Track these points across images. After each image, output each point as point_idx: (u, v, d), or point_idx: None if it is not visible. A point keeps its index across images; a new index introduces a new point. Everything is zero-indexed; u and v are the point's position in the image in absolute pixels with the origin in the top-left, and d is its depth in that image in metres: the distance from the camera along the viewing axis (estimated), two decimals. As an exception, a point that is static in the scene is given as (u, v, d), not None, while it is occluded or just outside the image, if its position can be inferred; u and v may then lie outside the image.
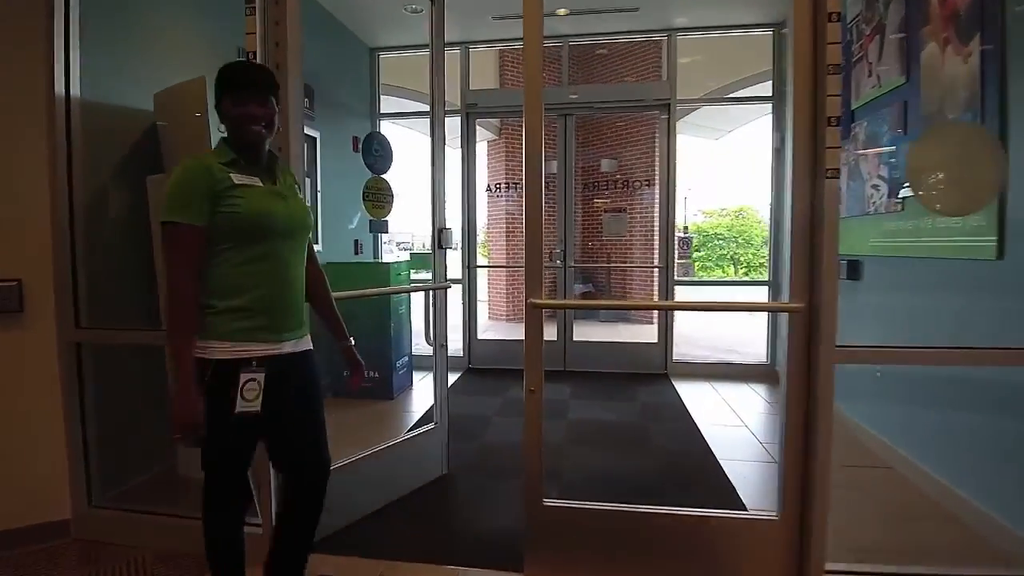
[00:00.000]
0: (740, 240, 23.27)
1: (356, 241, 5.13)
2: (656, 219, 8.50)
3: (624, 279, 8.90)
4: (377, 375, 4.40)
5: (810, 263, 1.92)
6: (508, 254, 8.97)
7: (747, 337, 7.44)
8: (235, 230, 1.51)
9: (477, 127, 5.64)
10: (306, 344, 1.73)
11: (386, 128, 5.90)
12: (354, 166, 4.08)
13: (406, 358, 4.76)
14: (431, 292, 2.95)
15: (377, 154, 2.97)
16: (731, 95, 5.76)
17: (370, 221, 3.00)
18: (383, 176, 3.01)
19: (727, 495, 2.81)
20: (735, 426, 3.90)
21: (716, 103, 5.73)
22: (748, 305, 2.44)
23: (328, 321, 1.88)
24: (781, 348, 5.00)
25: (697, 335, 7.33)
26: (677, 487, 2.93)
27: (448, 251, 3.01)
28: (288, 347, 1.64)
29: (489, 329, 8.22)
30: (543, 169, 1.96)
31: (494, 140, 9.21)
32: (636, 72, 8.22)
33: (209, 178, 1.48)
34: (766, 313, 5.31)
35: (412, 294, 4.85)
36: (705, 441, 3.58)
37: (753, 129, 7.64)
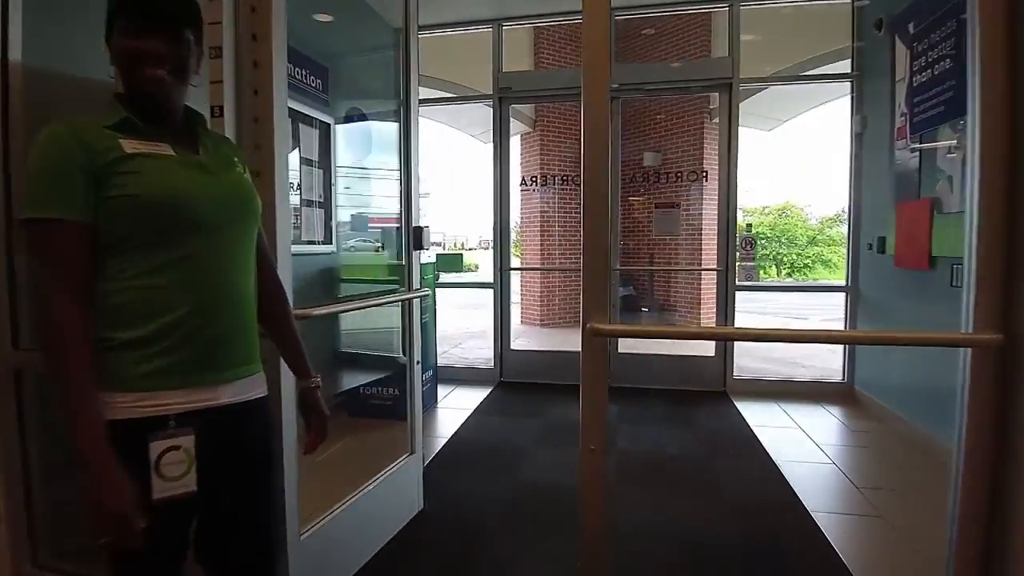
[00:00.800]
0: (784, 240, 22.17)
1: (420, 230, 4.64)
2: (709, 216, 7.90)
3: (668, 282, 8.23)
4: (397, 391, 3.88)
5: (1005, 281, 1.29)
6: (543, 254, 8.39)
7: (810, 348, 6.70)
8: (134, 222, 0.99)
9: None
10: (257, 388, 1.20)
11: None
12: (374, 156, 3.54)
13: (430, 372, 4.24)
14: (408, 302, 2.50)
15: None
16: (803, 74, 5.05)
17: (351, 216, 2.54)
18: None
19: (834, 570, 2.18)
20: (820, 463, 3.24)
21: (787, 82, 5.04)
22: (921, 338, 1.80)
23: (286, 350, 1.34)
24: (865, 367, 4.35)
25: (752, 345, 6.63)
26: (763, 552, 2.31)
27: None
28: (228, 394, 1.11)
29: (521, 335, 7.66)
30: (609, 163, 1.38)
31: (528, 133, 8.64)
32: (683, 55, 7.55)
33: (84, 149, 0.97)
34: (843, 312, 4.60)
35: (440, 296, 4.34)
36: (787, 483, 2.94)
37: (814, 117, 6.86)
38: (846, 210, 4.47)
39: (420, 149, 2.69)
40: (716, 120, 8.05)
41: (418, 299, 2.54)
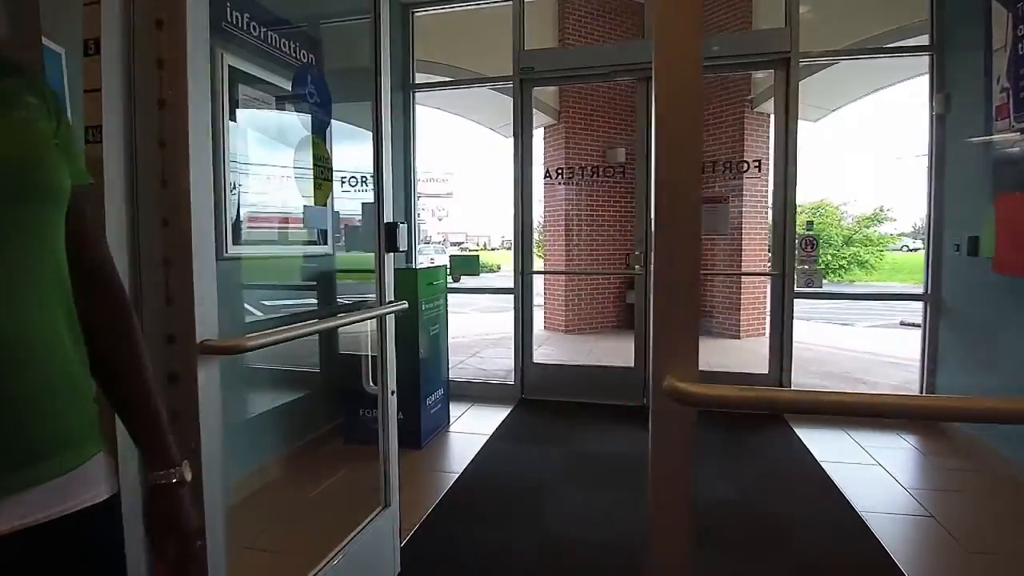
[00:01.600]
0: (820, 239, 21.26)
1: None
2: (749, 214, 7.27)
3: (707, 287, 7.59)
4: (403, 416, 3.38)
5: None
6: (568, 255, 7.83)
7: (875, 355, 6.03)
8: None
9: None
10: (81, 492, 0.69)
11: (420, 111, 4.89)
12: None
13: (440, 391, 3.72)
14: (382, 318, 1.97)
15: (312, 99, 2.01)
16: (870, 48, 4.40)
17: (304, 209, 2.07)
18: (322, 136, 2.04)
19: None
20: (918, 515, 2.63)
21: (855, 56, 4.41)
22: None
23: (131, 418, 0.81)
24: (946, 377, 3.72)
25: (807, 354, 5.98)
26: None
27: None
28: (12, 516, 0.61)
29: (545, 343, 7.11)
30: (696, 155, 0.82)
31: (552, 126, 8.09)
32: (722, 28, 6.91)
33: None
34: (919, 329, 3.92)
35: (461, 299, 3.83)
36: (881, 547, 2.34)
37: (868, 104, 6.11)
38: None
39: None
40: (757, 109, 7.41)
41: (392, 315, 2.01)
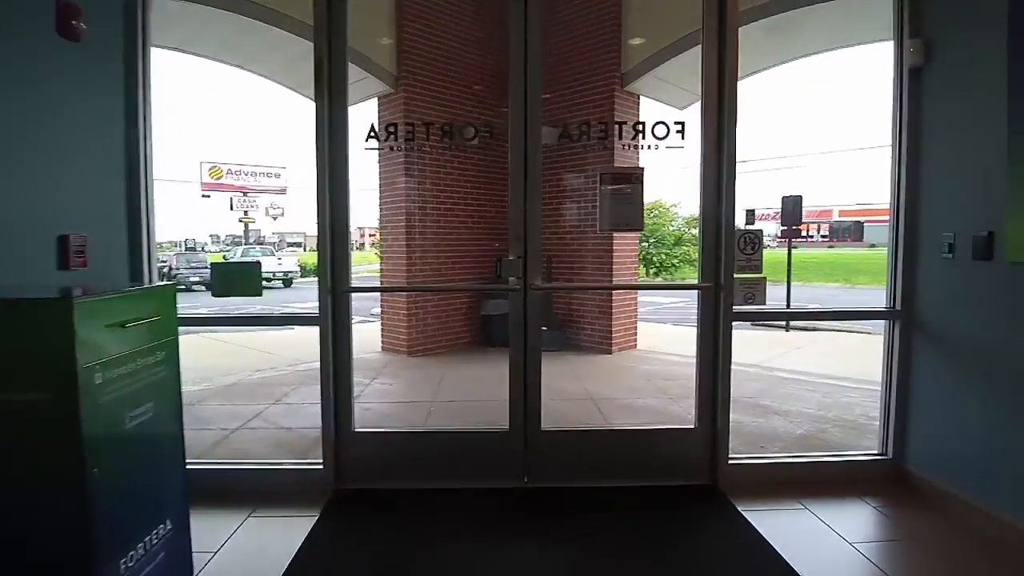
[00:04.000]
0: (652, 239, 22.05)
1: (66, 240, 2.24)
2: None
3: (595, 305, 6.51)
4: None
5: None
6: (409, 261, 6.25)
7: (767, 370, 5.30)
8: None
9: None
10: None
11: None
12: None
13: (165, 528, 1.94)
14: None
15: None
16: None
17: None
18: None
19: None
20: None
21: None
22: None
23: None
24: (924, 421, 1.84)
25: (688, 370, 5.05)
26: None
27: None
28: None
29: (382, 372, 5.45)
30: None
31: (388, 95, 6.42)
32: None
33: None
34: (883, 349, 2.97)
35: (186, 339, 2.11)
36: None
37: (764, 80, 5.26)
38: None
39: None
40: (628, 87, 6.45)
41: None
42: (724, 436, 2.77)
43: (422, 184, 6.22)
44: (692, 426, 2.87)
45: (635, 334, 6.61)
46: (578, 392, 4.62)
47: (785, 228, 8.78)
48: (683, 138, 2.76)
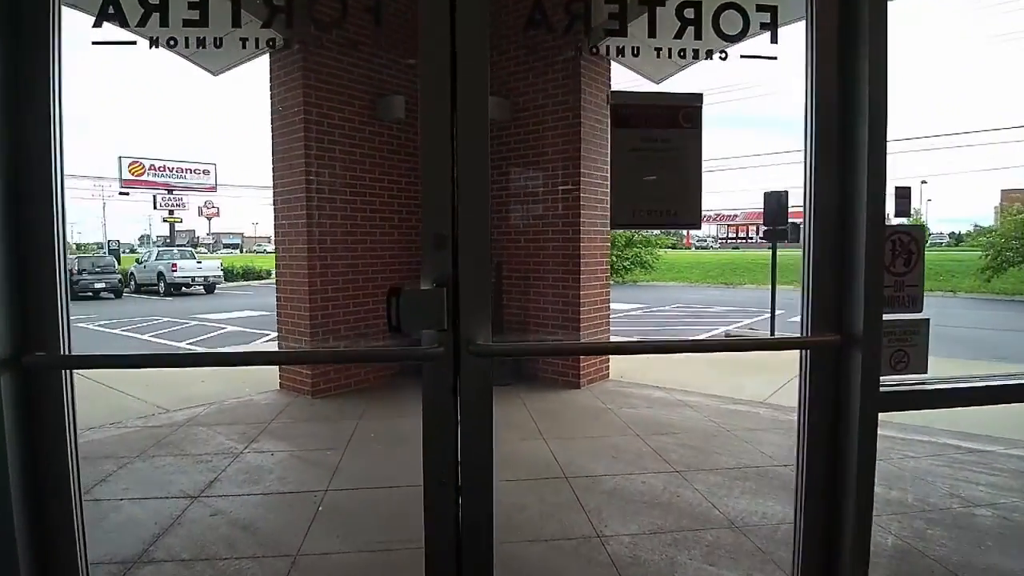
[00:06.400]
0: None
1: None
2: (592, 193, 4.97)
3: (527, 291, 5.19)
4: None
5: None
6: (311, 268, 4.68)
7: (723, 398, 4.01)
8: None
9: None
10: None
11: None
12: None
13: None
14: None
15: None
16: None
17: None
18: None
19: None
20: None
21: None
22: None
23: None
24: None
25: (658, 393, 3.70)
26: None
27: None
28: None
29: (274, 425, 3.81)
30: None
31: (284, 56, 4.83)
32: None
33: None
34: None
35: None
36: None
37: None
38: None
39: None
40: (598, 52, 5.13)
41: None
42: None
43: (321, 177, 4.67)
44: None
45: (606, 360, 5.26)
46: (541, 461, 3.20)
47: (768, 228, 7.71)
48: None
